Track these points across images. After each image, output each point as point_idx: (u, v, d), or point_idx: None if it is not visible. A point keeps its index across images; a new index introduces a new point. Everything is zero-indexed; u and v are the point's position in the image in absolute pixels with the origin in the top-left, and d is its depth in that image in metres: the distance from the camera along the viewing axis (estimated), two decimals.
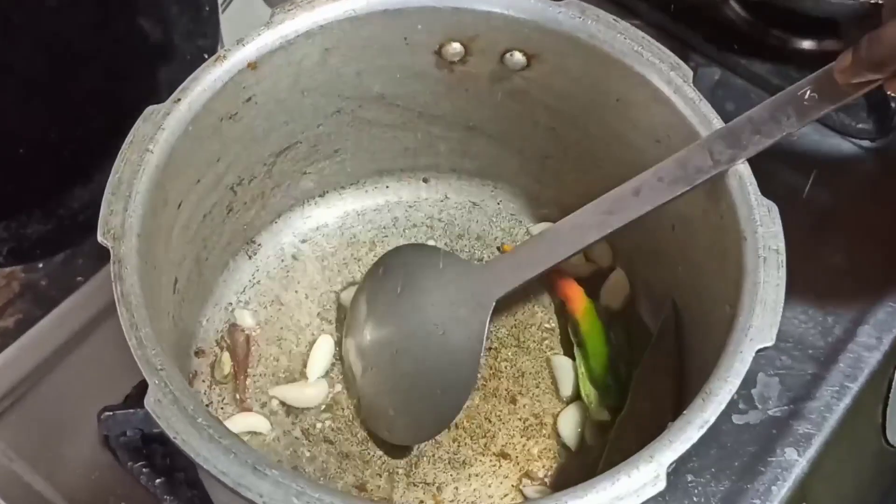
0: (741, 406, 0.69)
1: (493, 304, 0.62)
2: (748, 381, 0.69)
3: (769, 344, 0.51)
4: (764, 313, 0.52)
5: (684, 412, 0.49)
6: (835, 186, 0.78)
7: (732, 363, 0.51)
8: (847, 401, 0.70)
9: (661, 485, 0.47)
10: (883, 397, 0.74)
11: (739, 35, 0.87)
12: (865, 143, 0.81)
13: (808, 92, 0.55)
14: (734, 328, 0.52)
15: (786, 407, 0.69)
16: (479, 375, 0.67)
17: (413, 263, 0.65)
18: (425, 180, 0.74)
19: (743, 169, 0.56)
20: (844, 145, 0.80)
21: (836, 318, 0.72)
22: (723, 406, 0.49)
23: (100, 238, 0.53)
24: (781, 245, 0.54)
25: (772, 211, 0.55)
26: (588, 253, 0.70)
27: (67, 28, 0.71)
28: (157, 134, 0.56)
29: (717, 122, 0.58)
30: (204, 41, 0.78)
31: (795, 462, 0.67)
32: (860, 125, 0.80)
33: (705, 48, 0.86)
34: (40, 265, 0.78)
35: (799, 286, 0.72)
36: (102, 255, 0.53)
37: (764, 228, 0.55)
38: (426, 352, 0.63)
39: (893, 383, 0.74)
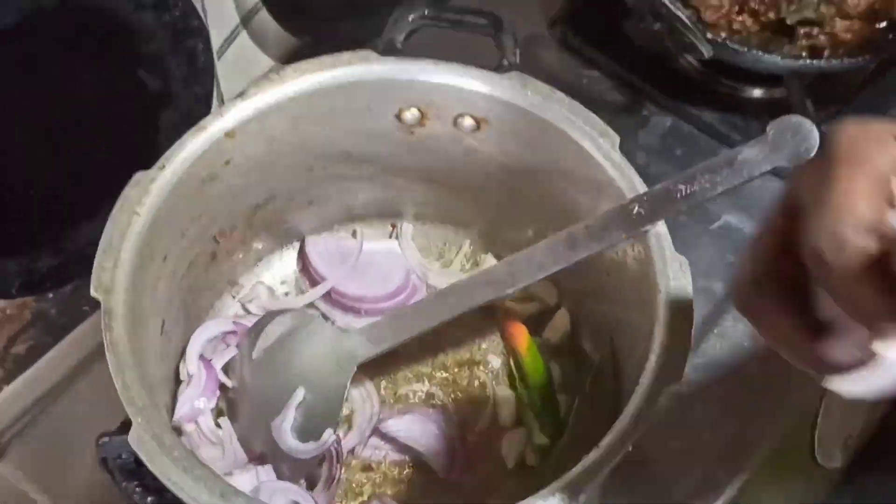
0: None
1: (354, 368, 0.68)
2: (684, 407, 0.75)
3: (676, 386, 0.57)
4: (672, 356, 0.58)
5: (597, 446, 0.55)
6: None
7: (642, 402, 0.56)
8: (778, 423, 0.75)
9: None
10: (812, 419, 0.79)
11: (692, 84, 0.92)
12: None
13: (636, 208, 0.60)
14: (645, 369, 0.58)
15: (718, 432, 0.75)
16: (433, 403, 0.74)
17: (285, 327, 0.70)
18: (393, 225, 0.81)
19: (661, 228, 0.62)
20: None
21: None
22: (629, 445, 0.55)
23: (92, 292, 0.59)
24: (690, 297, 0.60)
25: (683, 266, 0.61)
26: (535, 293, 0.77)
27: (76, 82, 0.77)
28: (143, 198, 0.62)
29: (640, 185, 0.63)
30: (200, 88, 0.83)
31: (727, 484, 0.72)
32: None
33: (658, 98, 0.91)
34: (50, 295, 0.84)
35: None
36: None
37: (675, 282, 0.60)
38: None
39: (822, 405, 0.79)
